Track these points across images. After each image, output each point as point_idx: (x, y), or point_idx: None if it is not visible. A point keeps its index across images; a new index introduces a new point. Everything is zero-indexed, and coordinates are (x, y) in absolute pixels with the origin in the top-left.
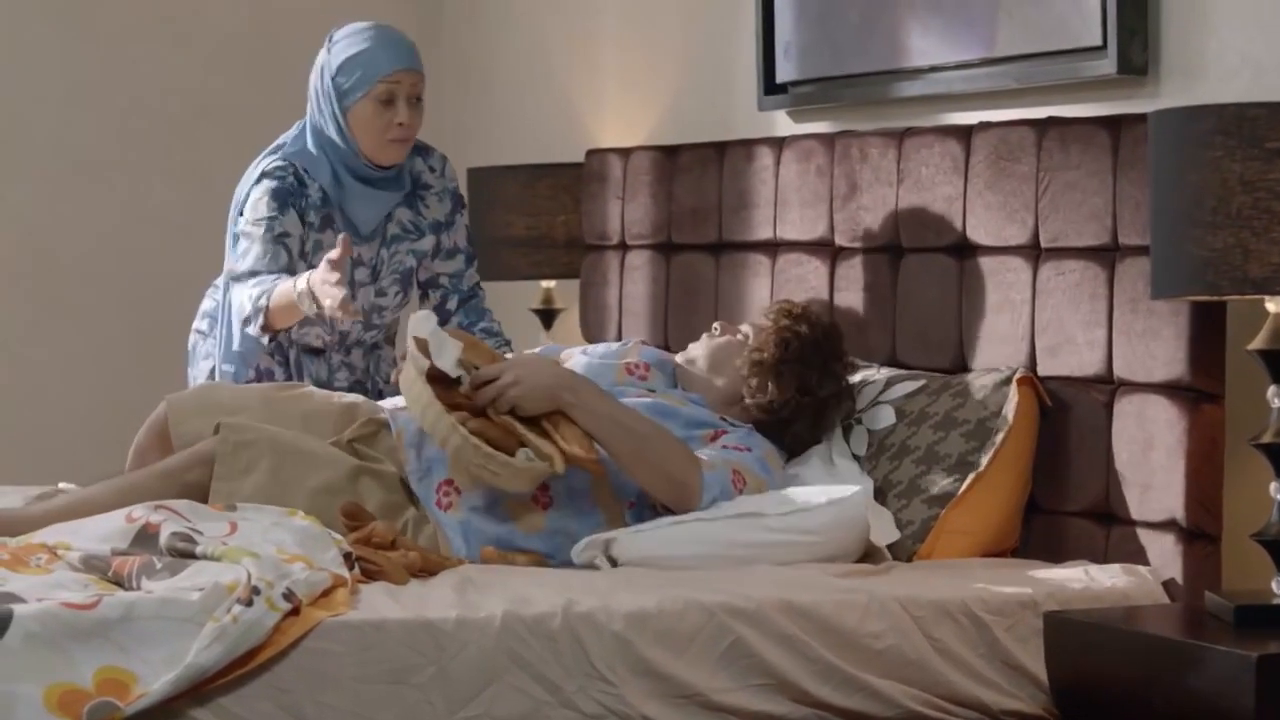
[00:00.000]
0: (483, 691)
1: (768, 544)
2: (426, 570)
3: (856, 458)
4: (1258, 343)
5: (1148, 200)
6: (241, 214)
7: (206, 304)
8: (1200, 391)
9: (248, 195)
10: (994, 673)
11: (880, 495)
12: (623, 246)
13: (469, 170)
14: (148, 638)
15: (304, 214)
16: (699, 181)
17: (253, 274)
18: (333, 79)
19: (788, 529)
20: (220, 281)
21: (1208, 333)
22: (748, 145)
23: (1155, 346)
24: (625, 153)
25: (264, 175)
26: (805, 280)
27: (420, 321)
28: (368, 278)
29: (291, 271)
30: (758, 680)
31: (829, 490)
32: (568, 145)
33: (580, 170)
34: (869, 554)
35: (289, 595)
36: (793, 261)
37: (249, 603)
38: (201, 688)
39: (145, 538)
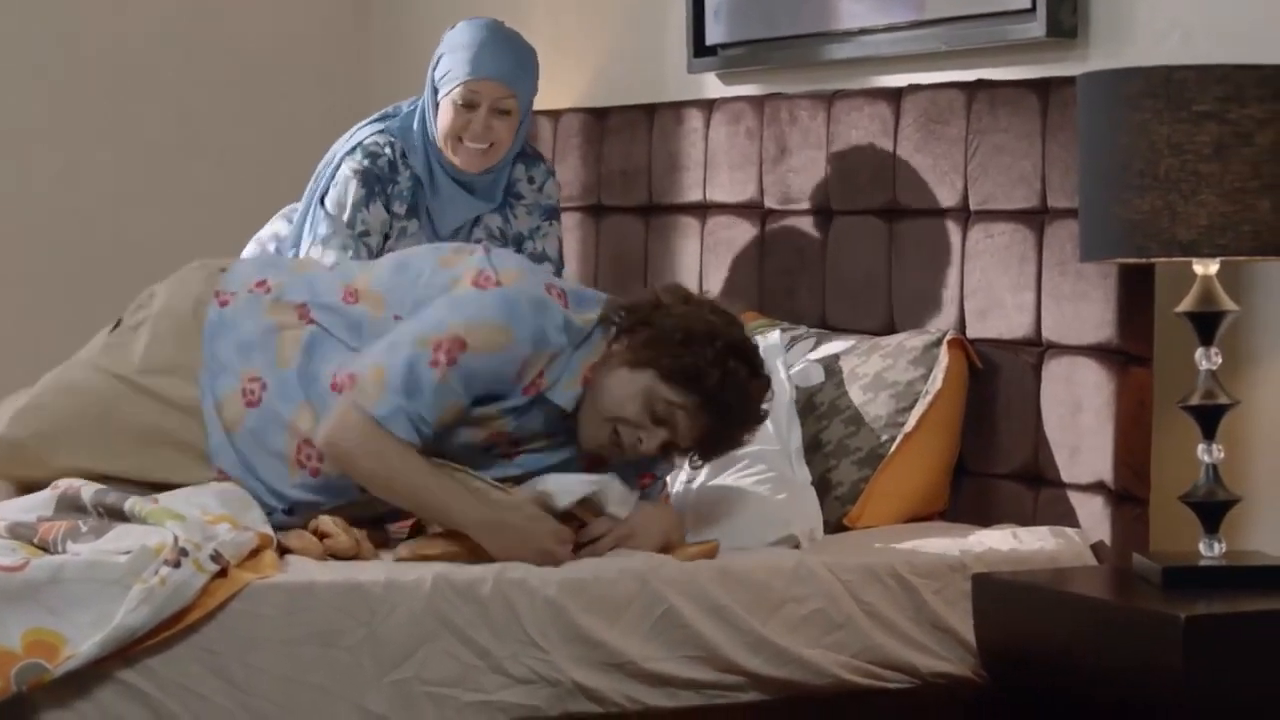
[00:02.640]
0: (413, 654)
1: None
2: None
3: (793, 384)
4: (1185, 305)
5: (1076, 163)
6: (332, 178)
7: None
8: (1128, 354)
9: (340, 164)
10: (923, 635)
11: (809, 455)
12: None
13: None
14: (76, 600)
15: (390, 203)
16: (629, 144)
17: None
18: (433, 69)
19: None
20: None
21: (1136, 295)
22: (677, 107)
23: (1084, 309)
24: (555, 115)
25: (359, 148)
26: (735, 242)
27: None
28: None
29: None
30: (689, 651)
31: (768, 520)
32: None
33: None
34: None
35: (216, 557)
36: (722, 224)
37: (176, 564)
38: (130, 650)
39: (67, 500)
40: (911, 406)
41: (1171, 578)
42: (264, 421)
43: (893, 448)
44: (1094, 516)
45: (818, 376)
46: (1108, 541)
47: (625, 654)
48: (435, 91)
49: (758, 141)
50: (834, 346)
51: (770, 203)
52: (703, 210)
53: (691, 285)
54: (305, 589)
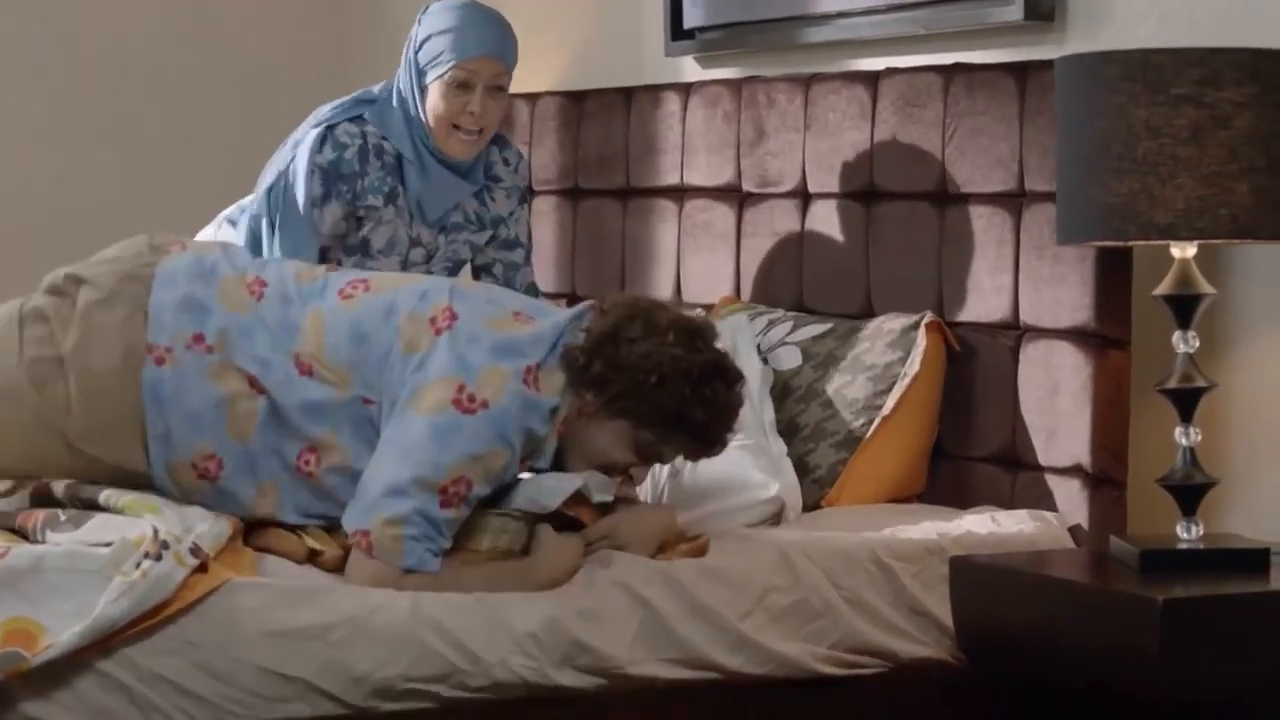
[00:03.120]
0: (399, 653)
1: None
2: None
3: (764, 359)
4: (1163, 288)
5: (1054, 146)
6: (293, 160)
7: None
8: (1106, 337)
9: (296, 148)
10: (902, 620)
11: (787, 438)
12: (530, 191)
13: None
14: (56, 590)
15: (357, 199)
16: (606, 127)
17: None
18: (416, 53)
19: (704, 510)
20: (248, 210)
21: (1113, 278)
22: (655, 91)
23: (1061, 292)
24: (532, 98)
25: (328, 140)
26: (712, 226)
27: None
28: (422, 258)
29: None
30: (672, 654)
31: (744, 485)
32: None
33: None
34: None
35: (195, 550)
36: (700, 207)
37: (158, 557)
38: (109, 641)
39: (38, 496)
40: (889, 389)
41: (1149, 561)
42: (221, 497)
43: (870, 430)
44: (1071, 499)
45: (794, 360)
46: (1085, 524)
47: (613, 660)
48: (421, 75)
49: (735, 125)
50: (811, 330)
51: (748, 186)
52: (680, 194)
53: (669, 269)
54: (287, 582)
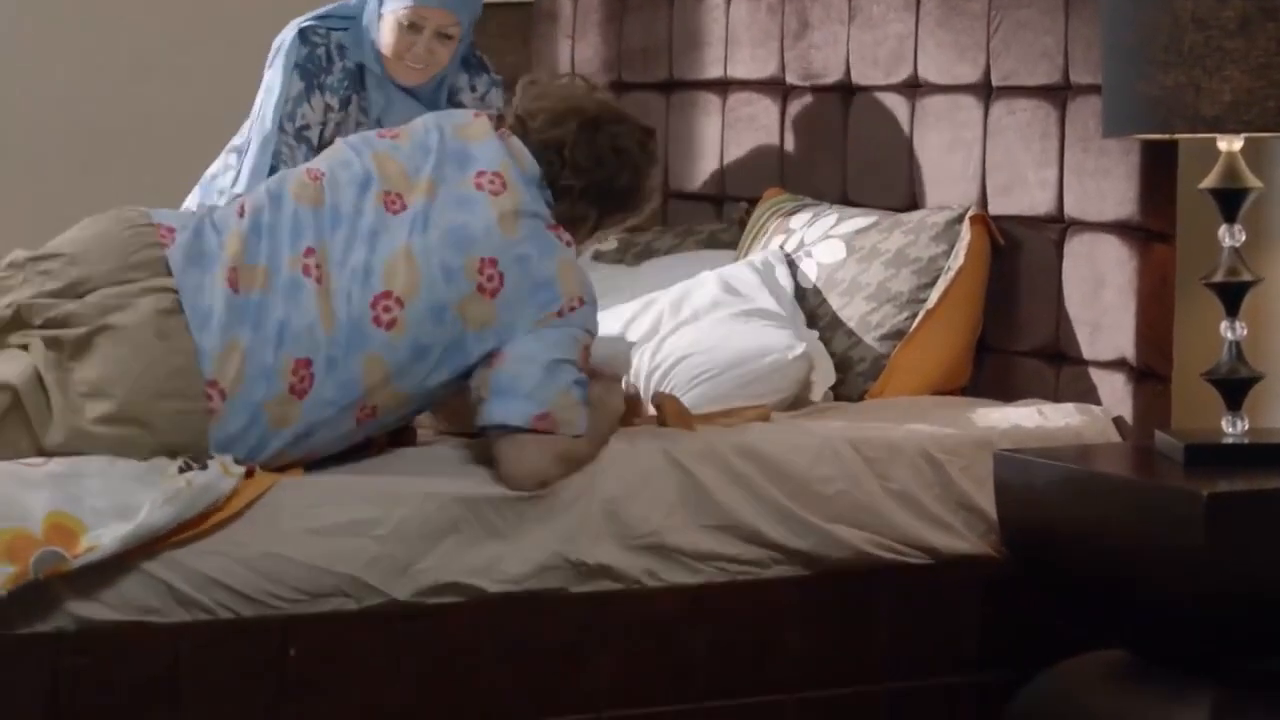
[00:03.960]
0: (439, 544)
1: (712, 393)
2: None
3: (803, 291)
4: (1209, 181)
5: (1099, 38)
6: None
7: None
8: (1151, 231)
9: (280, 51)
10: (948, 514)
11: (830, 331)
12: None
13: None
14: (97, 491)
15: (326, 93)
16: (649, 20)
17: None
18: None
19: (730, 388)
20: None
21: (1159, 171)
22: None
23: (1106, 185)
24: None
25: (300, 36)
26: (756, 119)
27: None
28: None
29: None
30: (712, 521)
31: (771, 348)
32: None
33: (530, 10)
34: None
35: (241, 459)
36: (743, 100)
37: (204, 466)
38: (153, 545)
39: None
40: (933, 283)
41: (1194, 455)
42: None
43: (915, 324)
44: (1116, 394)
45: (838, 254)
46: (1129, 419)
47: (648, 525)
48: (380, 2)
49: (779, 17)
50: (855, 223)
51: (791, 79)
52: (724, 87)
53: (713, 162)
54: (332, 481)
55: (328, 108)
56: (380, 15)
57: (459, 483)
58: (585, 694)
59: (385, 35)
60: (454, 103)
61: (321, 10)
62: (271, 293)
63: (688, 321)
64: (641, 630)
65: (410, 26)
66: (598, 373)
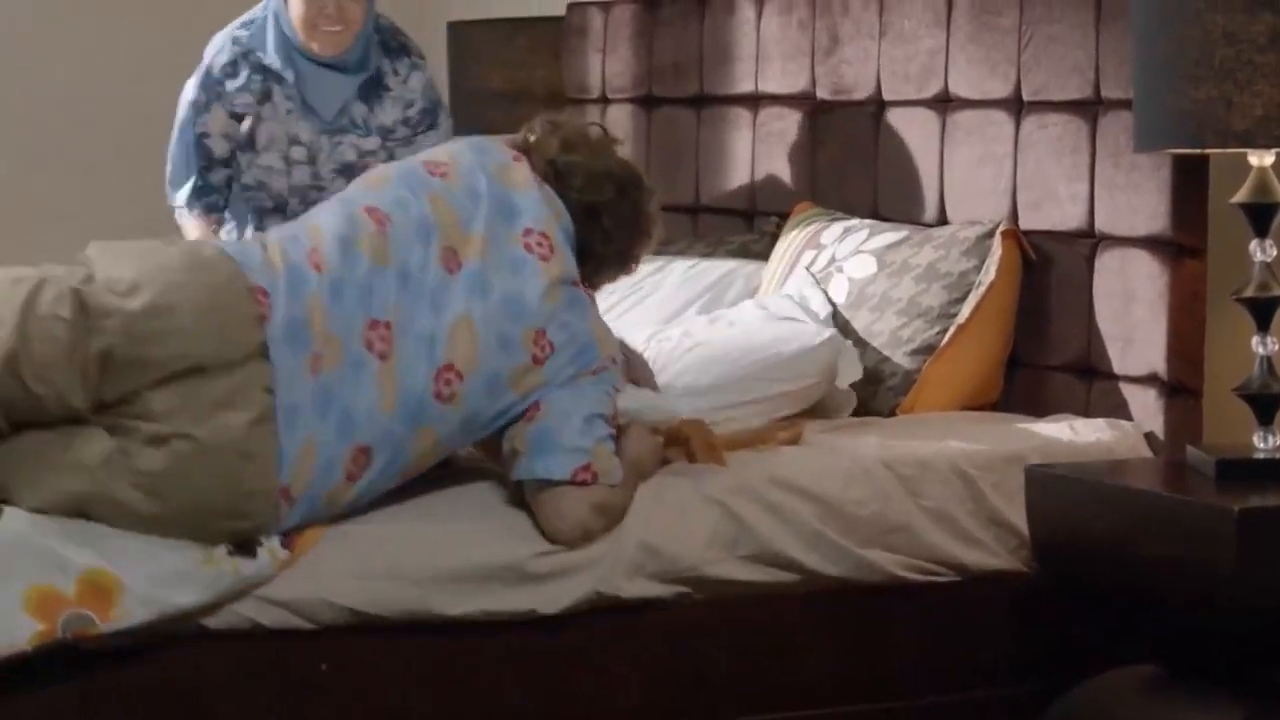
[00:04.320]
0: (480, 589)
1: (740, 378)
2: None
3: (833, 304)
4: (1241, 196)
5: (1130, 53)
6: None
7: None
8: (1182, 245)
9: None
10: (980, 530)
11: (862, 346)
12: (603, 100)
13: (449, 24)
14: (139, 551)
15: (230, 102)
16: (680, 35)
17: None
18: None
19: (760, 375)
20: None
21: (1190, 186)
22: None
23: (1137, 200)
24: (606, 6)
25: (225, 45)
26: (786, 134)
27: None
28: (303, 157)
29: (208, 171)
30: (746, 550)
31: (797, 335)
32: None
33: (561, 24)
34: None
35: (286, 538)
36: (774, 115)
37: (252, 554)
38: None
39: None
40: (964, 297)
41: (1225, 470)
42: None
43: (945, 339)
44: (1147, 409)
45: (869, 269)
46: (1160, 434)
47: (686, 561)
48: None
49: (810, 32)
50: (886, 238)
51: (822, 94)
52: (754, 101)
53: (743, 177)
54: (375, 532)
55: (231, 115)
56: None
57: (501, 533)
58: (611, 711)
59: (295, 9)
60: (381, 84)
61: (244, 18)
62: (339, 372)
63: (717, 320)
64: (667, 646)
65: None
66: (624, 421)
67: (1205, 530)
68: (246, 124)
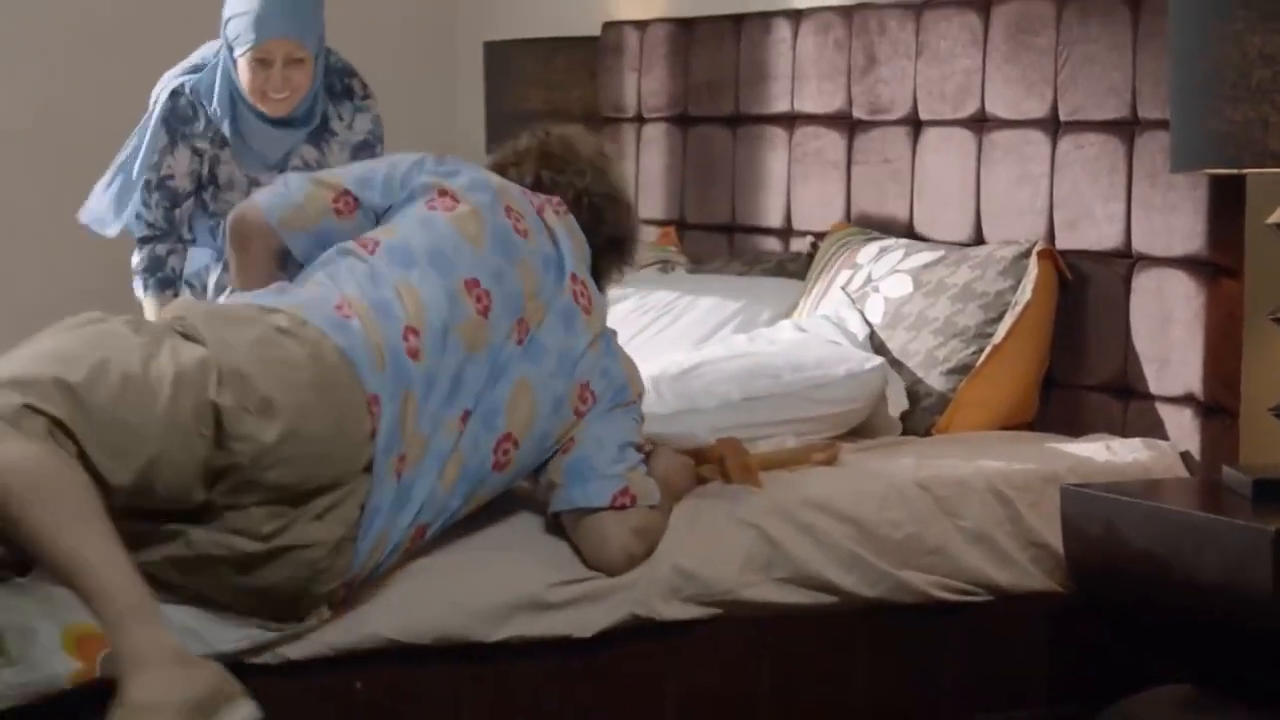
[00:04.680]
0: (518, 615)
1: (780, 395)
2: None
3: (870, 326)
4: (1277, 216)
5: (1167, 74)
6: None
7: None
8: (1219, 265)
9: (155, 104)
10: (1017, 550)
11: (898, 366)
12: (639, 119)
13: (485, 44)
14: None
15: (194, 142)
16: (716, 54)
17: (141, 235)
18: (224, 29)
19: (803, 393)
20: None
21: (1227, 206)
22: (765, 17)
23: (1174, 220)
24: (642, 25)
25: (171, 94)
26: (823, 154)
27: None
28: None
29: (174, 209)
30: (782, 574)
31: (845, 359)
32: (584, 18)
33: (597, 43)
34: (879, 421)
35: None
36: (810, 135)
37: (301, 620)
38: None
39: None
40: (1000, 317)
41: (1262, 490)
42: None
43: (981, 358)
44: (1183, 429)
45: (905, 288)
46: (1196, 454)
47: (722, 585)
48: (231, 50)
49: (846, 52)
50: (922, 257)
51: (859, 113)
52: (790, 121)
53: (779, 197)
54: (416, 563)
55: (195, 153)
56: (234, 61)
57: (542, 561)
58: None
59: (243, 76)
60: (327, 129)
61: (181, 66)
62: (419, 468)
63: (756, 339)
64: (707, 666)
65: (260, 62)
66: (649, 446)
67: (1242, 550)
68: (207, 165)
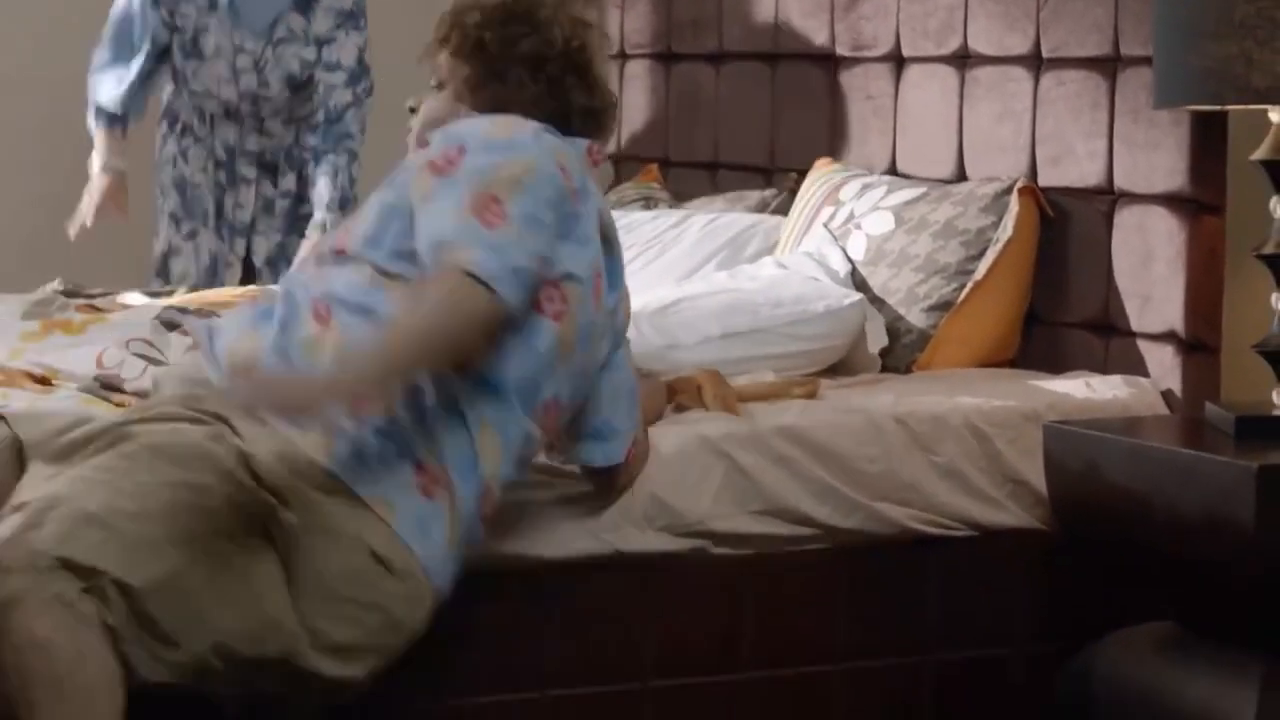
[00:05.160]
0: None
1: (760, 331)
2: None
3: (852, 262)
4: (1261, 153)
5: (1150, 10)
6: None
7: None
8: (1201, 202)
9: None
10: (994, 488)
11: (879, 303)
12: (622, 56)
13: None
14: None
15: (176, 6)
16: None
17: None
18: None
19: (782, 329)
20: None
21: (1209, 143)
22: None
23: (1156, 157)
24: None
25: None
26: (805, 90)
27: None
28: (249, 65)
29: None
30: (757, 506)
31: (824, 295)
32: None
33: None
34: (858, 358)
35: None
36: (793, 71)
37: None
38: None
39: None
40: (982, 254)
41: (1244, 427)
42: None
43: (963, 295)
44: (1164, 366)
45: (887, 225)
46: (1178, 391)
47: (694, 514)
48: None
49: None
50: (904, 194)
51: (841, 50)
52: (774, 58)
53: (763, 133)
54: None
55: (181, 18)
56: None
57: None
58: (631, 664)
59: None
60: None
61: None
62: None
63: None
64: (687, 602)
65: None
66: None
67: (1225, 487)
68: (188, 34)
